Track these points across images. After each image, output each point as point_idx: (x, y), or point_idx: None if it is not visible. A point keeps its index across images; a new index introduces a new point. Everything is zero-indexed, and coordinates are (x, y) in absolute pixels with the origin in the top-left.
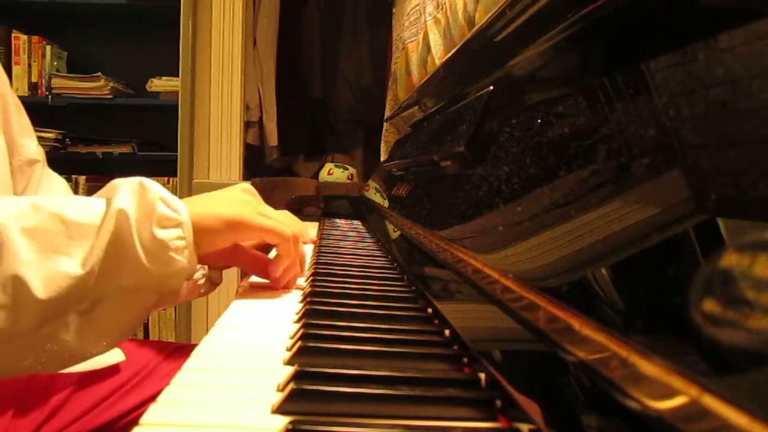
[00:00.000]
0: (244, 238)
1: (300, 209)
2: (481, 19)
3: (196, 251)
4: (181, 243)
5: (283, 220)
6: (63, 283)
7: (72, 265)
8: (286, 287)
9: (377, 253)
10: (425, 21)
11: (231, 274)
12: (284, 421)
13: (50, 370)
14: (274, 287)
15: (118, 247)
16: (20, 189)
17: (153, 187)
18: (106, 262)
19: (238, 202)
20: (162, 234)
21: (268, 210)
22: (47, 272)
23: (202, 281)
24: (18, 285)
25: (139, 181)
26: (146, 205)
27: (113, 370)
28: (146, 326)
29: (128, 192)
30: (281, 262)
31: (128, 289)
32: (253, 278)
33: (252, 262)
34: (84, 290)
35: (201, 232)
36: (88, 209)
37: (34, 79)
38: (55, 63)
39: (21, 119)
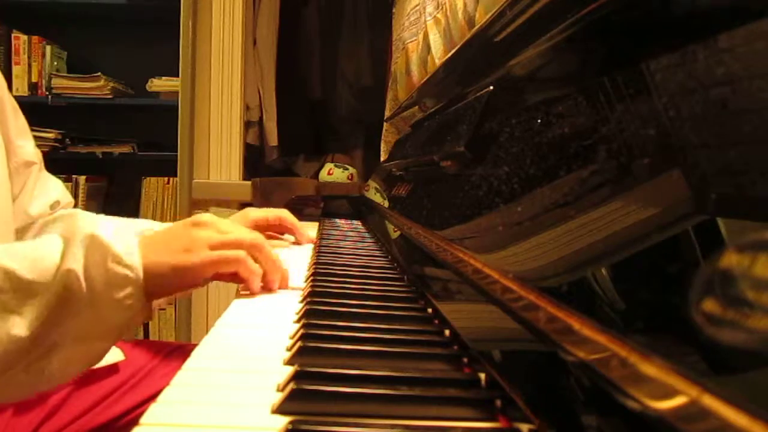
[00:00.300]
0: (197, 279)
1: (300, 209)
2: (481, 19)
3: (148, 298)
4: (131, 301)
5: (234, 240)
6: (9, 344)
7: (19, 327)
8: (281, 287)
9: (377, 253)
10: (425, 21)
11: None
12: (284, 421)
13: (10, 401)
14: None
15: (69, 303)
16: (17, 190)
17: (107, 240)
18: (58, 317)
19: (189, 242)
20: (113, 292)
21: (221, 235)
22: None
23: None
24: None
25: (93, 233)
26: (97, 263)
27: (112, 369)
28: (146, 326)
29: (80, 247)
30: (249, 285)
31: (81, 337)
32: None
33: (227, 277)
34: (32, 347)
35: (152, 280)
36: (41, 265)
37: (34, 79)
38: (55, 63)
39: (18, 121)
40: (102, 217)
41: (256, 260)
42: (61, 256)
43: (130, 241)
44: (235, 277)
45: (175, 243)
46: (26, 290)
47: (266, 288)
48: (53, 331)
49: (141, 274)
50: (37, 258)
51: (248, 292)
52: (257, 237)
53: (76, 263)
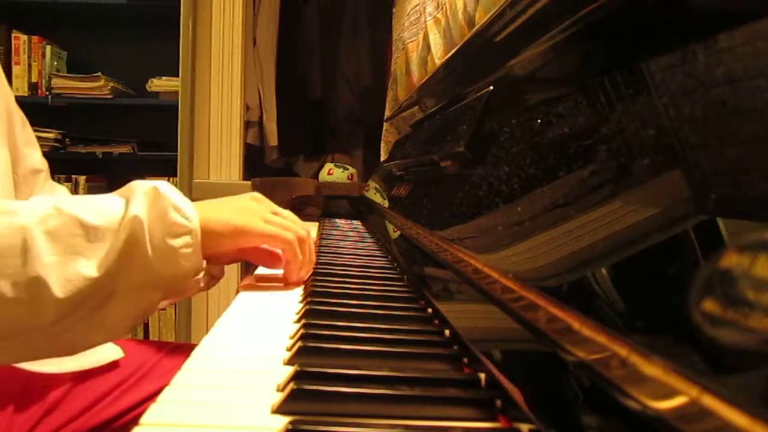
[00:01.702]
0: (248, 243)
1: (300, 209)
2: (481, 19)
3: (202, 254)
4: (189, 250)
5: (288, 225)
6: (80, 284)
7: (89, 267)
8: (297, 283)
9: (377, 253)
10: (425, 21)
11: (232, 275)
12: (284, 421)
13: (57, 356)
14: (284, 282)
15: (131, 250)
16: (25, 198)
17: (167, 193)
18: (120, 263)
19: (246, 209)
20: (172, 241)
21: (275, 216)
22: (66, 274)
23: (201, 275)
24: (40, 285)
25: (155, 186)
26: (159, 212)
27: (111, 366)
28: (146, 326)
29: (143, 198)
30: (291, 267)
31: (138, 287)
32: (258, 272)
33: (262, 257)
34: (98, 290)
35: (208, 235)
36: (105, 213)
37: (34, 79)
38: (55, 63)
39: (25, 131)
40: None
41: (301, 246)
42: (125, 206)
43: (185, 198)
44: (271, 259)
45: (233, 205)
46: (94, 235)
47: (298, 280)
48: (116, 278)
49: (198, 224)
50: (102, 208)
51: (248, 292)
52: (305, 228)
53: (141, 210)
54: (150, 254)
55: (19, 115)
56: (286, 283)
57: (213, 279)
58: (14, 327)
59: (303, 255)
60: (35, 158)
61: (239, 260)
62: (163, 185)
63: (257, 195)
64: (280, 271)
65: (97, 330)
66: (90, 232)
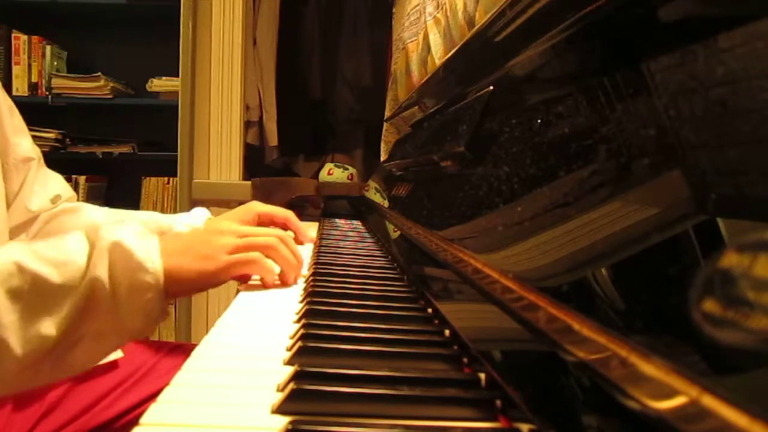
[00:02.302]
0: (217, 283)
1: (300, 209)
2: (481, 19)
3: (169, 299)
4: (152, 304)
5: (254, 242)
6: (39, 343)
7: (49, 327)
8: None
9: (377, 253)
10: (425, 21)
11: None
12: (284, 421)
13: (29, 388)
14: (264, 286)
15: (94, 306)
16: (16, 187)
17: (131, 248)
18: (83, 318)
19: (209, 251)
20: (136, 297)
21: (238, 240)
22: (26, 335)
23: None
24: (1, 345)
25: (118, 242)
26: (122, 270)
27: (111, 366)
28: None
29: (105, 256)
30: (266, 281)
31: (103, 334)
32: (254, 278)
33: (246, 277)
34: (59, 344)
35: (174, 285)
36: (67, 269)
37: (34, 79)
38: (55, 63)
39: (14, 120)
40: (110, 211)
41: (271, 258)
42: (87, 262)
43: (151, 246)
44: (247, 278)
45: (196, 249)
46: (55, 294)
47: (283, 283)
48: (78, 330)
49: (162, 280)
50: (64, 262)
51: (248, 293)
52: (271, 239)
53: (102, 271)
54: (114, 309)
55: (6, 104)
56: (265, 286)
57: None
58: None
59: (280, 261)
60: (25, 146)
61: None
62: (128, 237)
63: (219, 225)
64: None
65: (63, 370)
66: (51, 292)
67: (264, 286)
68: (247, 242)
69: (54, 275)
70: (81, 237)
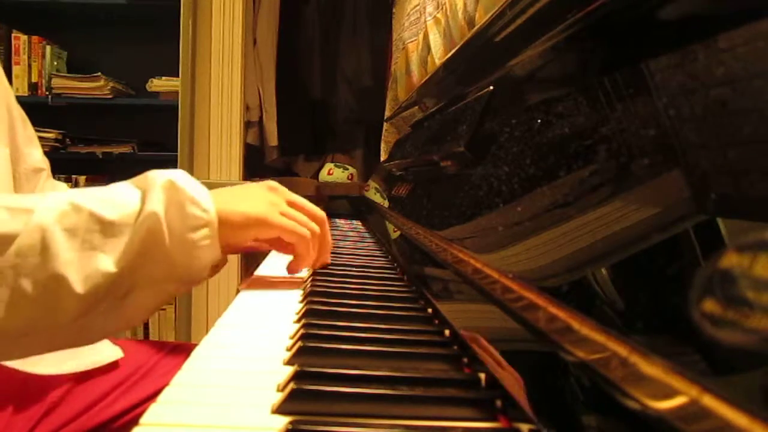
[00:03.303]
0: (265, 235)
1: None
2: (481, 19)
3: (219, 244)
4: (207, 242)
5: (304, 220)
6: (100, 280)
7: (108, 263)
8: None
9: (377, 253)
10: (425, 21)
11: (232, 275)
12: (284, 421)
13: (76, 346)
14: (289, 271)
15: (149, 245)
16: None
17: (184, 185)
18: (139, 258)
19: (264, 201)
20: (190, 234)
21: (291, 209)
22: (86, 271)
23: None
24: (60, 282)
25: (171, 179)
26: (176, 207)
27: (111, 366)
28: (146, 326)
29: (160, 192)
30: (299, 263)
31: (157, 281)
32: (258, 272)
33: (277, 245)
34: (118, 284)
35: (226, 226)
36: (122, 208)
37: (34, 79)
38: (55, 63)
39: (26, 130)
40: None
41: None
42: (141, 200)
43: (203, 188)
44: (286, 248)
45: (250, 197)
46: (112, 230)
47: (312, 267)
48: (135, 271)
49: (215, 216)
50: (118, 202)
51: (248, 292)
52: (322, 220)
53: (158, 205)
54: (169, 249)
55: (19, 114)
56: (290, 272)
57: (216, 267)
58: (37, 325)
59: (321, 246)
60: (36, 157)
61: (254, 250)
62: (180, 176)
63: (273, 184)
64: (280, 273)
65: (116, 321)
66: (107, 228)
67: (293, 268)
68: (301, 218)
69: (110, 212)
70: (129, 184)
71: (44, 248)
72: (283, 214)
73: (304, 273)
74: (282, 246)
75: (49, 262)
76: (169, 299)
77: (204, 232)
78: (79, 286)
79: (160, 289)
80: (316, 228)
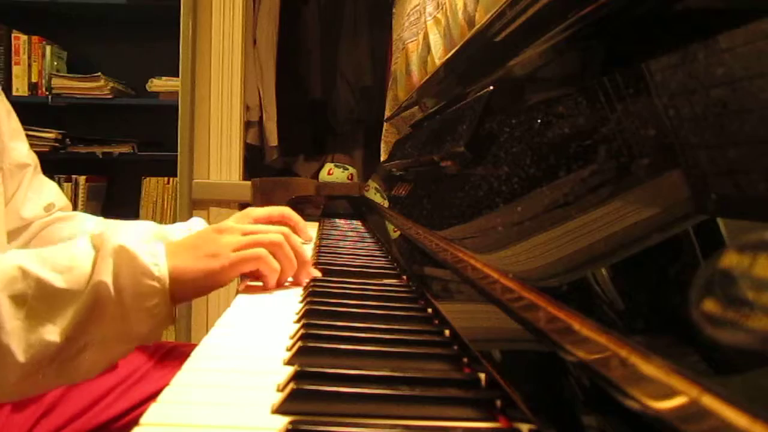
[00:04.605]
0: (224, 282)
1: (300, 209)
2: (481, 19)
3: (176, 302)
4: (159, 309)
5: (259, 239)
6: (42, 349)
7: (52, 333)
8: (303, 277)
9: (377, 253)
10: (425, 21)
11: None
12: (284, 421)
13: (33, 395)
14: (265, 289)
15: (99, 312)
16: (10, 191)
17: (135, 251)
18: (88, 323)
19: (213, 249)
20: (142, 302)
21: (243, 237)
22: (29, 340)
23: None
24: (2, 351)
25: (121, 245)
26: (127, 275)
27: (110, 367)
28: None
29: (109, 260)
30: (267, 280)
31: (109, 341)
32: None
33: (251, 274)
34: (64, 351)
35: (181, 286)
36: (72, 274)
37: (34, 79)
38: (55, 63)
39: (11, 123)
40: (104, 221)
41: (275, 257)
42: (92, 266)
43: (156, 250)
44: (257, 273)
45: (201, 249)
46: (59, 299)
47: (278, 284)
48: (82, 337)
49: (167, 284)
50: (69, 267)
51: (248, 293)
52: (276, 236)
53: (107, 275)
54: (120, 314)
55: (4, 107)
56: (266, 288)
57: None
58: None
59: (282, 260)
60: (22, 151)
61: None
62: (131, 240)
63: (223, 225)
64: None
65: (69, 377)
66: (55, 297)
67: (266, 287)
68: (253, 240)
69: (58, 280)
70: (86, 242)
71: None
72: (235, 249)
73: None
74: (250, 275)
75: None
76: (124, 356)
77: (155, 300)
78: (21, 355)
79: (112, 348)
80: (275, 237)
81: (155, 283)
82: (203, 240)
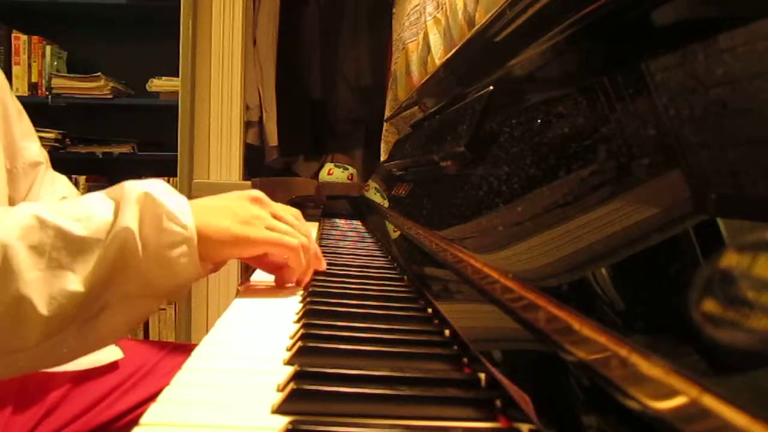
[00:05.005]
0: (250, 253)
1: (300, 209)
2: (481, 19)
3: (200, 261)
4: (185, 260)
5: (292, 232)
6: (66, 301)
7: (75, 283)
8: (298, 284)
9: (377, 253)
10: (425, 21)
11: (232, 275)
12: (284, 421)
13: (49, 367)
14: (278, 285)
15: (122, 262)
16: (24, 191)
17: (161, 198)
18: (110, 276)
19: (247, 215)
20: (167, 251)
21: (278, 222)
22: (51, 291)
23: None
24: (24, 305)
25: (148, 192)
26: (152, 222)
27: (111, 367)
28: (146, 326)
29: (135, 206)
30: (292, 273)
31: (133, 297)
32: (254, 278)
33: (263, 264)
34: (87, 304)
35: (206, 244)
36: (93, 223)
37: (34, 79)
38: (55, 63)
39: (22, 123)
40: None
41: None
42: (114, 214)
43: (182, 201)
44: (268, 266)
45: (232, 210)
46: (81, 247)
47: (298, 283)
48: (107, 290)
49: (195, 233)
50: (88, 216)
51: (248, 293)
52: (308, 232)
53: (132, 221)
54: (144, 266)
55: (15, 107)
56: (279, 286)
57: (213, 269)
58: None
59: (310, 258)
60: (34, 150)
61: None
62: (157, 188)
63: (258, 194)
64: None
65: (87, 342)
66: (75, 245)
67: (280, 282)
68: (284, 229)
69: (79, 228)
70: (102, 195)
71: (6, 267)
72: (268, 228)
73: None
74: (264, 264)
75: (11, 283)
76: (146, 316)
77: (182, 249)
78: (44, 308)
79: (136, 305)
80: (304, 239)
81: (181, 230)
82: (234, 203)
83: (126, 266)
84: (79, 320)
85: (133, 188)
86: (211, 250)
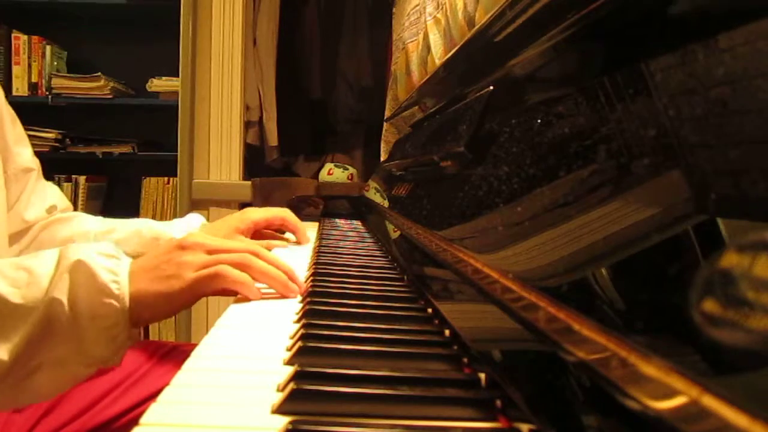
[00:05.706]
0: (189, 302)
1: (300, 209)
2: (481, 19)
3: (136, 324)
4: (117, 330)
5: (221, 258)
6: None
7: (2, 351)
8: (285, 295)
9: (377, 253)
10: (425, 21)
11: None
12: (284, 421)
13: None
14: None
15: (52, 332)
16: (14, 197)
17: (94, 267)
18: (40, 343)
19: (172, 270)
20: (98, 322)
21: (210, 256)
22: None
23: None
24: None
25: (80, 260)
26: (85, 293)
27: (110, 367)
28: (146, 326)
29: (67, 277)
30: (245, 293)
31: (65, 362)
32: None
33: (226, 292)
34: (14, 369)
35: (140, 308)
36: (31, 291)
37: (34, 79)
38: (55, 63)
39: (15, 129)
40: (104, 220)
41: (251, 276)
42: (50, 281)
43: (119, 268)
44: (228, 291)
45: (160, 269)
46: (11, 315)
47: (285, 292)
48: (35, 356)
49: (127, 305)
50: (27, 282)
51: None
52: (242, 255)
53: (61, 292)
54: (75, 334)
55: (9, 113)
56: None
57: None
58: None
59: (257, 275)
60: (26, 156)
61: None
62: (92, 256)
63: (187, 240)
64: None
65: (24, 398)
66: (8, 313)
67: (248, 299)
68: (216, 259)
69: (14, 295)
70: (54, 255)
71: None
72: (197, 268)
73: (302, 275)
74: (230, 292)
75: None
76: (82, 379)
77: (112, 321)
78: None
79: (69, 370)
80: (238, 258)
81: (113, 302)
82: (163, 259)
83: (55, 334)
84: (10, 380)
85: (71, 256)
86: (146, 313)
